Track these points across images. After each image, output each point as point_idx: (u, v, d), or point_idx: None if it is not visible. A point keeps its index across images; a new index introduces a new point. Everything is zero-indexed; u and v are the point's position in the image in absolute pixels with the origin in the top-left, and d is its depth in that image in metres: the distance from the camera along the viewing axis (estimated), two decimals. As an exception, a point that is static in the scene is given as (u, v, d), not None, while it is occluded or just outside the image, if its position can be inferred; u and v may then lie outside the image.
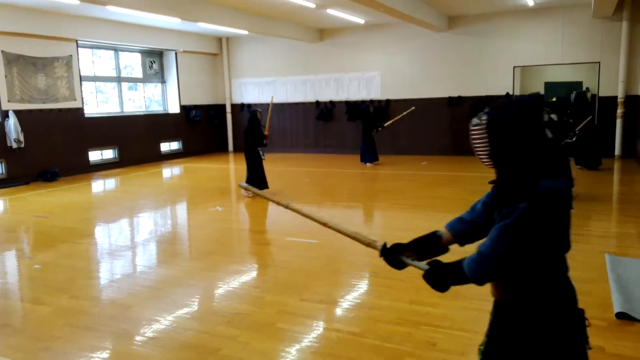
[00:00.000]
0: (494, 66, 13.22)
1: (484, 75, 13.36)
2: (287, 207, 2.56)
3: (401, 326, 3.70)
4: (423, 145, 14.15)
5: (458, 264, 1.86)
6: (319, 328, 3.78)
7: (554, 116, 7.22)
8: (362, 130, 12.61)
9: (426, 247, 2.09)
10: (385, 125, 12.68)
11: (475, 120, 1.84)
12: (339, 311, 4.09)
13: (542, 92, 13.83)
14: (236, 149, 16.67)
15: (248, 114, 9.03)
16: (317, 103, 15.43)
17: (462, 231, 2.11)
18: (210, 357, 3.35)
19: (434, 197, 8.70)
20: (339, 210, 7.98)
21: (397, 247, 2.04)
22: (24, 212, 8.39)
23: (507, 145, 1.75)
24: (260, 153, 8.83)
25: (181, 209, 8.90)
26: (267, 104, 15.66)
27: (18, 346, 3.59)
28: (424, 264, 1.97)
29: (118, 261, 5.74)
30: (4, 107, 10.76)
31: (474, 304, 4.04)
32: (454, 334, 3.56)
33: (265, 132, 8.97)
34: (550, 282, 1.81)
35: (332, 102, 15.26)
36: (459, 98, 13.65)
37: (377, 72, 14.57)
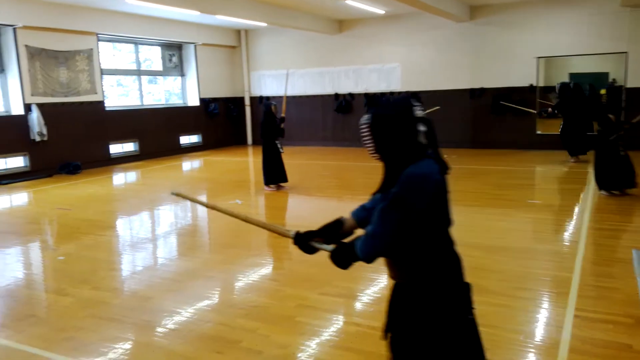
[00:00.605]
0: (517, 57, 12.96)
1: (506, 67, 13.12)
2: (212, 208, 2.93)
3: (422, 321, 3.65)
4: (444, 138, 13.87)
5: (352, 244, 2.04)
6: (338, 322, 3.76)
7: (611, 116, 7.23)
8: None
9: (332, 232, 2.27)
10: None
11: (362, 119, 2.06)
12: (358, 305, 4.07)
13: (566, 82, 13.50)
14: (255, 142, 16.70)
15: (264, 107, 9.01)
16: (336, 95, 15.35)
17: (363, 217, 2.31)
18: (230, 348, 3.36)
19: (455, 190, 8.53)
20: (358, 204, 7.91)
21: (308, 234, 2.25)
22: (47, 205, 8.53)
23: (386, 140, 2.00)
24: (279, 146, 8.80)
25: (201, 202, 8.95)
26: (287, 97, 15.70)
27: (42, 336, 3.65)
28: (330, 247, 2.16)
29: (139, 253, 5.80)
30: (27, 101, 10.93)
31: (498, 300, 3.98)
32: (476, 330, 3.50)
33: (282, 114, 8.99)
34: (436, 257, 2.02)
35: (351, 95, 15.16)
36: (481, 89, 13.45)
37: (397, 63, 14.42)
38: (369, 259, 1.98)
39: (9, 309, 4.25)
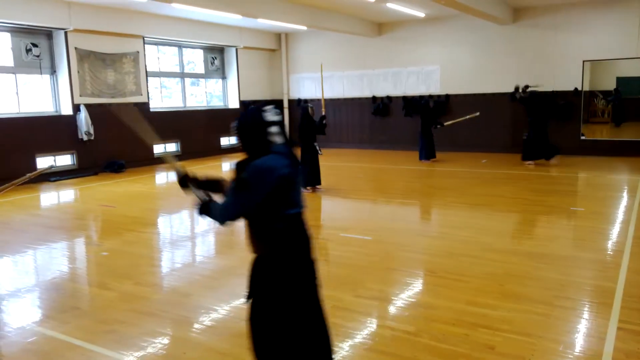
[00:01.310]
0: (562, 60, 12.61)
1: (551, 70, 12.77)
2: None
3: (457, 327, 3.61)
4: (484, 142, 13.74)
5: (212, 205, 2.56)
6: (372, 325, 3.76)
7: None
8: (420, 126, 12.37)
9: (210, 186, 2.76)
10: (446, 124, 12.38)
11: (232, 125, 2.61)
12: (393, 309, 4.05)
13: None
14: (292, 144, 16.81)
15: (301, 109, 9.10)
16: (374, 98, 15.31)
17: None
18: (264, 348, 3.41)
19: (492, 195, 8.43)
20: (393, 207, 7.89)
21: (193, 179, 2.75)
22: (92, 202, 8.85)
23: (244, 140, 2.53)
24: (317, 148, 8.86)
25: (238, 202, 9.09)
26: (325, 99, 15.74)
27: (85, 328, 3.79)
28: (201, 195, 2.65)
29: (179, 250, 5.95)
30: (76, 102, 11.37)
31: (538, 308, 3.89)
32: (514, 338, 3.43)
33: (322, 110, 9.21)
34: (284, 235, 2.49)
35: (389, 97, 15.08)
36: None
37: (436, 66, 14.27)
38: (219, 223, 2.54)
39: (54, 301, 4.44)
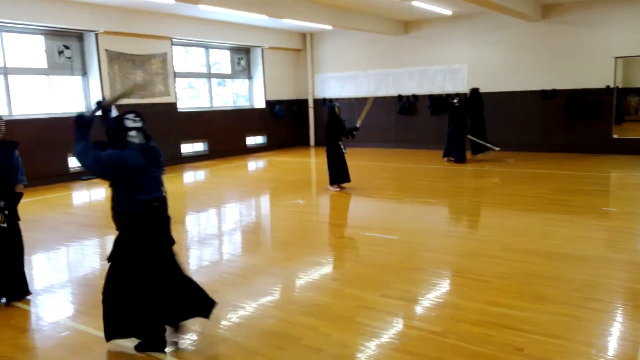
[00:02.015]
0: (593, 57, 12.31)
1: (581, 67, 12.49)
2: None
3: (484, 328, 3.58)
4: (511, 141, 13.52)
5: (85, 136, 3.29)
6: (398, 325, 3.75)
7: None
8: (450, 125, 12.11)
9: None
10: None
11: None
12: (419, 309, 4.03)
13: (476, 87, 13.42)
14: (317, 144, 16.88)
15: (327, 108, 9.11)
16: (399, 97, 15.23)
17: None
18: (291, 345, 3.44)
19: (514, 194, 8.30)
20: (417, 207, 7.84)
21: (90, 118, 3.42)
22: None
23: (109, 139, 3.37)
24: (342, 147, 8.87)
25: (264, 201, 9.18)
26: (348, 99, 15.74)
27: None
28: (95, 107, 3.56)
29: (206, 248, 6.04)
30: (107, 102, 11.61)
31: (566, 310, 3.83)
32: (541, 340, 3.39)
33: (358, 124, 9.16)
34: (132, 208, 3.27)
35: (414, 96, 14.98)
36: (553, 91, 12.88)
37: (463, 64, 14.10)
38: (75, 154, 3.26)
39: (86, 297, 4.56)
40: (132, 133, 3.32)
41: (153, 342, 3.38)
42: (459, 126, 11.84)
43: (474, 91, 12.36)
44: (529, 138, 13.33)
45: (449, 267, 4.99)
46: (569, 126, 12.83)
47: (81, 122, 3.31)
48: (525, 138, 13.37)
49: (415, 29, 14.73)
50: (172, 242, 3.54)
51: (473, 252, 5.36)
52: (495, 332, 3.51)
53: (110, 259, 3.40)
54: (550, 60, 12.85)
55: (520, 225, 6.47)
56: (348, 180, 8.93)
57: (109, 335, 3.41)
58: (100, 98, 3.81)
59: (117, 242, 3.38)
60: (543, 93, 13.01)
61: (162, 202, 3.44)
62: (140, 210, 3.27)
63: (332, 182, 8.92)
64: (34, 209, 8.26)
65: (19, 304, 4.35)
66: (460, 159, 11.83)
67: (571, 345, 3.32)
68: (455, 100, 12.19)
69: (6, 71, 10.32)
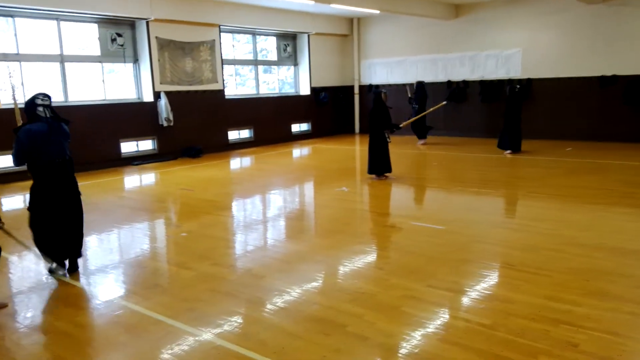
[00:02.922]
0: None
1: (645, 51, 11.78)
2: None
3: (537, 322, 3.44)
4: (568, 130, 12.97)
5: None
6: (445, 316, 3.67)
7: None
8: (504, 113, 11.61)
9: None
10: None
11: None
12: (467, 301, 3.93)
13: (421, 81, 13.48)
14: (362, 131, 16.74)
15: (373, 95, 8.89)
16: (449, 83, 14.85)
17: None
18: (336, 332, 3.43)
19: (576, 186, 7.94)
20: (468, 197, 7.64)
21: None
22: (172, 185, 9.28)
23: (26, 114, 4.58)
24: (386, 136, 8.70)
25: (308, 188, 9.19)
26: (397, 85, 15.47)
27: (166, 304, 3.99)
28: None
29: (252, 234, 6.11)
30: (156, 89, 11.92)
31: (627, 307, 3.64)
32: (600, 337, 3.23)
33: (402, 125, 8.97)
34: (35, 168, 4.50)
35: (465, 82, 14.57)
36: (614, 77, 12.22)
37: (517, 48, 13.57)
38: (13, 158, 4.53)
39: (138, 278, 4.71)
40: (40, 109, 4.53)
41: (48, 253, 4.60)
42: (515, 114, 11.34)
43: (420, 84, 13.45)
44: (586, 126, 12.73)
45: (500, 259, 4.83)
46: (631, 114, 12.17)
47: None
48: (581, 126, 12.79)
49: (466, 12, 14.28)
50: (72, 190, 4.69)
51: (532, 245, 5.15)
52: (551, 327, 3.37)
53: (29, 204, 4.62)
54: (611, 44, 12.18)
55: (585, 219, 6.17)
56: (389, 170, 8.77)
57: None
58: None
59: (30, 188, 4.59)
60: (602, 79, 12.37)
61: (64, 161, 4.59)
62: (42, 166, 4.49)
63: (371, 171, 8.77)
64: (89, 192, 8.59)
65: (76, 283, 4.54)
66: (515, 148, 11.38)
67: (631, 344, 3.15)
68: (518, 86, 11.67)
69: (63, 59, 10.72)
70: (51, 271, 4.71)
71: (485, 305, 3.80)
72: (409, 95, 13.92)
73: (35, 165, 4.48)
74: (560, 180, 8.41)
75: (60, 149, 4.56)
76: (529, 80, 13.39)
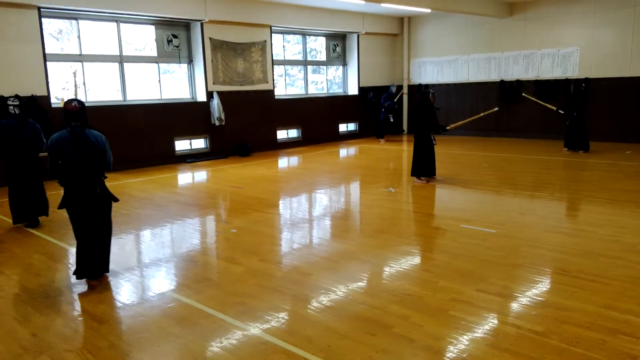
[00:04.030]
0: None
1: None
2: None
3: (593, 332, 3.31)
4: (629, 132, 12.35)
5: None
6: (495, 321, 3.58)
7: None
8: (568, 112, 11.31)
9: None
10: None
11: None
12: (518, 307, 3.81)
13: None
14: (411, 131, 16.51)
15: (420, 95, 8.73)
16: (502, 82, 14.45)
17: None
18: (382, 332, 3.41)
19: (637, 191, 7.55)
20: (521, 199, 7.41)
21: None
22: (222, 182, 9.49)
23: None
24: (432, 138, 8.53)
25: (354, 188, 9.17)
26: (446, 84, 15.21)
27: (216, 298, 4.09)
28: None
29: (299, 232, 6.17)
30: (209, 89, 12.23)
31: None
32: (662, 350, 3.07)
33: (450, 127, 8.85)
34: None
35: (519, 81, 14.14)
36: (680, 76, 11.55)
37: (575, 47, 13.05)
38: None
39: (189, 272, 4.85)
40: (10, 108, 5.93)
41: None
42: (580, 112, 11.05)
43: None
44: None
45: (555, 265, 4.66)
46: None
47: None
48: (644, 128, 12.16)
49: (521, 10, 13.86)
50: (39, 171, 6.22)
51: (589, 251, 4.95)
52: (608, 337, 3.23)
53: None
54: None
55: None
56: (433, 174, 8.60)
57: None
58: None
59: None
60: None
61: (30, 153, 5.98)
62: (10, 155, 5.96)
63: (414, 174, 8.63)
64: (145, 187, 8.93)
65: (128, 275, 4.72)
66: (584, 147, 11.18)
67: (697, 359, 2.97)
68: (583, 85, 11.22)
69: (122, 59, 11.17)
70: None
71: (538, 312, 3.68)
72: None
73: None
74: (620, 185, 8.02)
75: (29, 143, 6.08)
76: (586, 79, 12.84)
